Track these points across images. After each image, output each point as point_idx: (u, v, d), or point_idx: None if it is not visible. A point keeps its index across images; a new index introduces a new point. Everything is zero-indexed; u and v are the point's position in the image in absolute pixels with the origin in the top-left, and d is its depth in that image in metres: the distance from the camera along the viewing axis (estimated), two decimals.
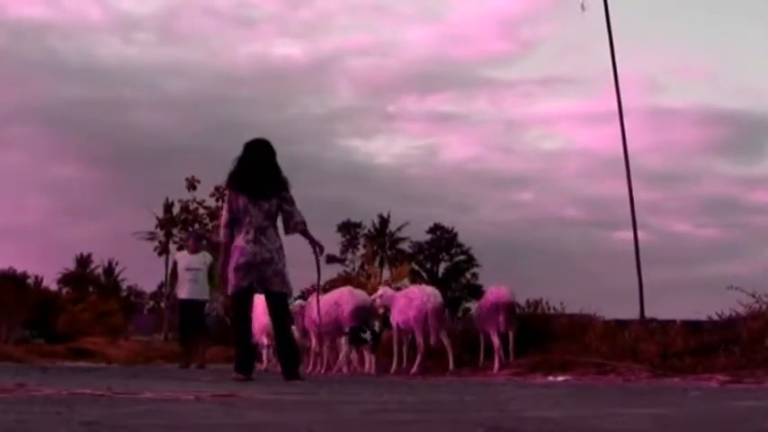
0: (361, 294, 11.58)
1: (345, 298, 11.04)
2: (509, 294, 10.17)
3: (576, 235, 75.68)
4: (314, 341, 11.65)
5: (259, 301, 10.85)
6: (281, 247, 7.69)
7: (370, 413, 3.82)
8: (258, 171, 7.70)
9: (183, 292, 12.93)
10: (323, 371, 11.37)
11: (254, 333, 11.96)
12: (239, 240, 7.60)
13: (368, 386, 7.16)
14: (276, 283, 7.61)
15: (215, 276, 12.01)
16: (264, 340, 11.87)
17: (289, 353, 7.70)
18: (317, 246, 7.96)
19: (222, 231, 7.85)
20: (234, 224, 7.71)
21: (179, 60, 77.97)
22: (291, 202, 7.72)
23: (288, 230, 7.74)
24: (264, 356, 12.40)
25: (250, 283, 7.58)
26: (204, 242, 14.77)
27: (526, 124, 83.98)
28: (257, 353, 12.72)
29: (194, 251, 13.29)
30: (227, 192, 8.31)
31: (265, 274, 7.54)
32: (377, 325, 11.42)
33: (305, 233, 7.84)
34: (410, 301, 10.36)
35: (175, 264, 13.29)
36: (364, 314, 11.09)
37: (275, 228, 7.70)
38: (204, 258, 13.13)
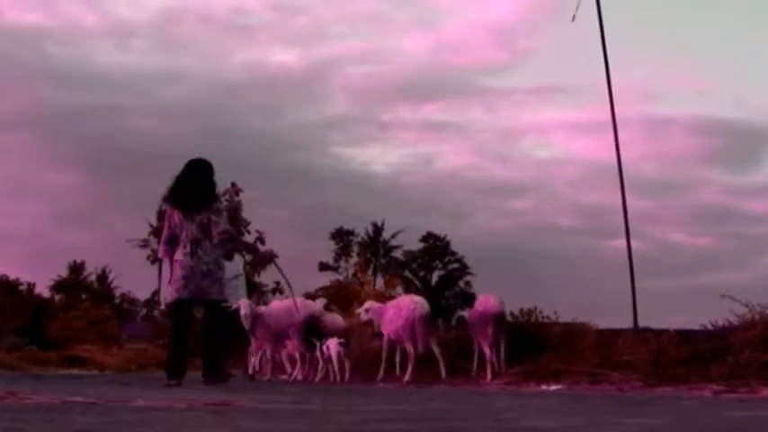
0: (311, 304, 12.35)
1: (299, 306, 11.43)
2: (497, 304, 10.13)
3: (570, 244, 75.57)
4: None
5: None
6: (219, 257, 8.24)
7: (364, 423, 3.82)
8: (189, 187, 8.18)
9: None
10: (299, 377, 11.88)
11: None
12: (178, 254, 8.15)
13: (361, 395, 7.16)
14: (214, 293, 8.17)
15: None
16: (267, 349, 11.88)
17: (209, 356, 8.27)
18: (252, 251, 8.89)
19: (161, 248, 8.43)
20: (173, 240, 8.23)
21: (174, 67, 77.90)
22: (218, 213, 8.17)
23: (213, 241, 8.11)
24: (251, 364, 12.31)
25: (189, 294, 8.09)
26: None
27: (521, 133, 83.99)
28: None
29: (227, 259, 13.03)
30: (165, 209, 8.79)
31: (202, 285, 8.08)
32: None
33: (232, 240, 8.61)
34: (399, 310, 10.36)
35: None
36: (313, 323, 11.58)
37: (206, 240, 8.12)
38: (236, 269, 12.89)
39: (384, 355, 10.77)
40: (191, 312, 8.33)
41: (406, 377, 10.07)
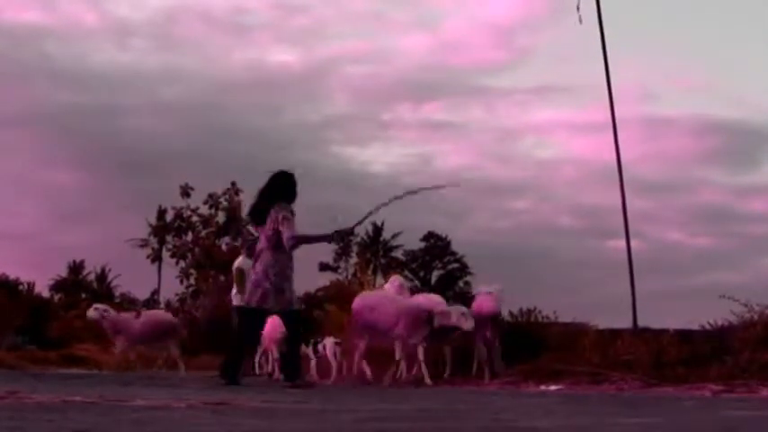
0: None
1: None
2: (493, 305, 10.10)
3: (570, 243, 75.57)
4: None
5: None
6: (285, 267, 8.31)
7: (363, 422, 3.82)
8: (256, 200, 8.61)
9: (240, 299, 12.52)
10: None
11: (263, 341, 12.03)
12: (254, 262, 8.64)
13: (360, 395, 7.16)
14: (271, 303, 8.28)
15: None
16: (274, 352, 11.77)
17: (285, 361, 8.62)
18: (330, 239, 8.76)
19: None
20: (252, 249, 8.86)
21: (174, 67, 77.75)
22: (282, 222, 8.23)
23: (286, 249, 8.29)
24: (270, 365, 12.26)
25: (255, 303, 8.34)
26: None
27: (521, 133, 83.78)
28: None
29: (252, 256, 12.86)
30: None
31: (265, 296, 8.27)
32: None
33: (307, 242, 8.50)
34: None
35: (242, 271, 12.72)
36: None
37: (272, 249, 8.31)
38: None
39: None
40: (256, 320, 8.62)
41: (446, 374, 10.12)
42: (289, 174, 8.60)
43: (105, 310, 14.21)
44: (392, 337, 10.03)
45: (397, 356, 10.01)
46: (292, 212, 8.37)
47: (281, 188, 8.48)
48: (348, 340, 10.89)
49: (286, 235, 8.15)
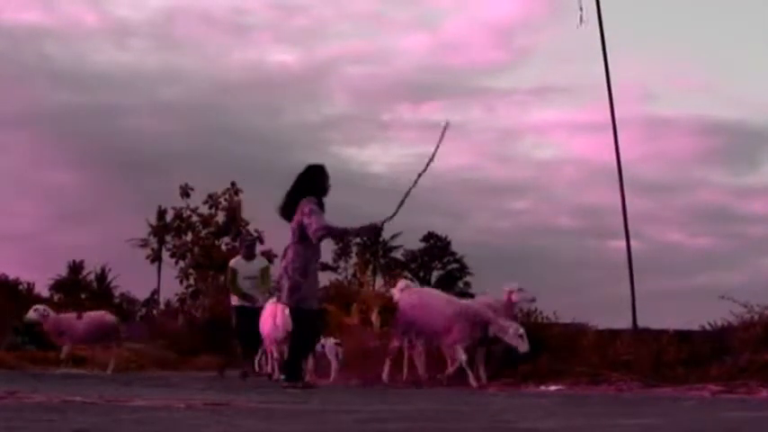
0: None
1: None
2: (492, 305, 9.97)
3: (570, 244, 75.51)
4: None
5: (266, 310, 11.26)
6: (306, 262, 8.16)
7: (363, 422, 3.82)
8: (286, 196, 8.36)
9: (238, 299, 12.51)
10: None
11: (264, 342, 11.92)
12: None
13: (360, 395, 7.15)
14: (285, 297, 8.23)
15: (266, 279, 12.23)
16: (275, 353, 11.63)
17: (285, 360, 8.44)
18: (359, 233, 8.80)
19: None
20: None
21: (174, 67, 77.68)
22: (307, 214, 8.07)
23: (313, 241, 8.15)
24: (270, 365, 12.12)
25: (277, 298, 8.58)
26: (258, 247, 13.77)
27: (520, 133, 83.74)
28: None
29: (250, 258, 12.93)
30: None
31: (283, 291, 8.23)
32: None
33: (331, 235, 8.42)
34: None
35: (235, 272, 12.69)
36: None
37: (296, 244, 8.18)
38: (260, 265, 12.75)
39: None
40: (292, 316, 8.53)
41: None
42: (317, 167, 8.48)
43: (45, 311, 14.18)
44: (442, 340, 9.47)
45: (459, 358, 9.16)
46: (321, 205, 8.24)
47: (310, 182, 8.34)
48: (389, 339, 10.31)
49: (313, 227, 7.99)
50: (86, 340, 14.18)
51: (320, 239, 8.15)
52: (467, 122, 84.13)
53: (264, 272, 12.46)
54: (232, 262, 12.76)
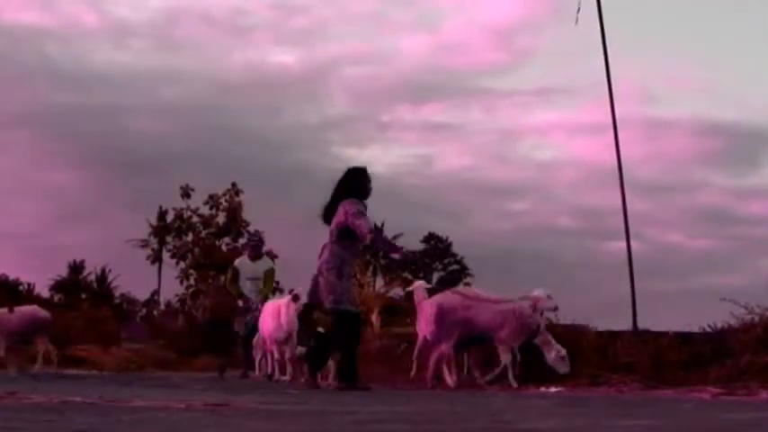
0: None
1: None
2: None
3: (570, 245, 75.41)
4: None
5: (266, 310, 11.02)
6: (327, 260, 8.16)
7: (362, 423, 3.82)
8: (329, 200, 8.40)
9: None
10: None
11: (264, 341, 11.78)
12: None
13: (360, 396, 7.15)
14: (324, 298, 8.24)
15: (269, 282, 12.19)
16: (275, 353, 11.47)
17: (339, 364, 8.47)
18: (397, 250, 8.84)
19: None
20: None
21: (174, 67, 77.67)
22: (357, 215, 8.08)
23: (366, 242, 8.21)
24: (270, 366, 12.00)
25: (309, 298, 8.62)
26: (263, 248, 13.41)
27: (521, 134, 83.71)
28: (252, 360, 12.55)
29: (255, 258, 12.56)
30: None
31: (318, 292, 8.28)
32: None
33: (379, 240, 8.33)
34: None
35: (236, 271, 12.56)
36: None
37: (332, 244, 8.20)
38: (265, 266, 12.61)
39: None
40: (332, 319, 8.43)
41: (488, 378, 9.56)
42: (359, 169, 8.48)
43: None
44: (491, 340, 9.11)
45: (503, 360, 8.91)
46: (364, 207, 8.24)
47: (350, 185, 8.34)
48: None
49: (364, 228, 7.99)
50: (19, 335, 14.10)
51: (372, 242, 8.17)
52: (467, 123, 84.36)
53: (268, 274, 12.33)
54: (236, 261, 12.66)
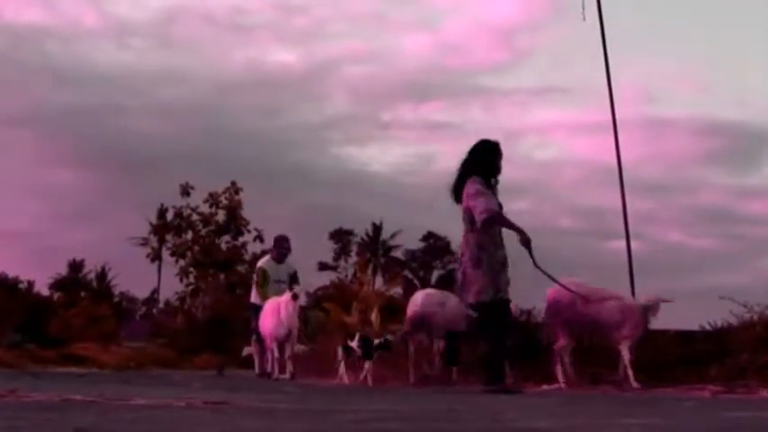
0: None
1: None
2: (418, 304, 9.71)
3: (570, 244, 75.50)
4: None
5: (268, 306, 11.02)
6: (463, 252, 7.66)
7: (363, 422, 3.82)
8: (456, 177, 7.72)
9: (257, 298, 12.28)
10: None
11: (264, 339, 11.73)
12: None
13: (361, 395, 7.15)
14: (463, 294, 7.77)
15: (296, 282, 12.00)
16: (276, 351, 11.40)
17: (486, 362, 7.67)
18: (524, 234, 7.51)
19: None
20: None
21: (175, 67, 77.96)
22: (473, 195, 7.42)
23: (477, 225, 7.46)
24: (270, 364, 11.94)
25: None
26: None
27: (521, 133, 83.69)
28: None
29: (280, 260, 12.40)
30: None
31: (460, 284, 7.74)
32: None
33: (498, 221, 7.51)
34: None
35: (265, 272, 12.22)
36: None
37: (466, 233, 7.59)
38: (289, 269, 12.33)
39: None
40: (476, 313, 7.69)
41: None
42: (491, 142, 7.71)
43: None
44: (610, 336, 8.66)
45: (626, 359, 8.41)
46: (489, 185, 7.52)
47: (478, 160, 7.60)
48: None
49: (479, 209, 7.28)
50: None
51: (485, 223, 7.34)
52: (467, 122, 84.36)
53: (293, 278, 12.25)
54: (262, 262, 12.53)
